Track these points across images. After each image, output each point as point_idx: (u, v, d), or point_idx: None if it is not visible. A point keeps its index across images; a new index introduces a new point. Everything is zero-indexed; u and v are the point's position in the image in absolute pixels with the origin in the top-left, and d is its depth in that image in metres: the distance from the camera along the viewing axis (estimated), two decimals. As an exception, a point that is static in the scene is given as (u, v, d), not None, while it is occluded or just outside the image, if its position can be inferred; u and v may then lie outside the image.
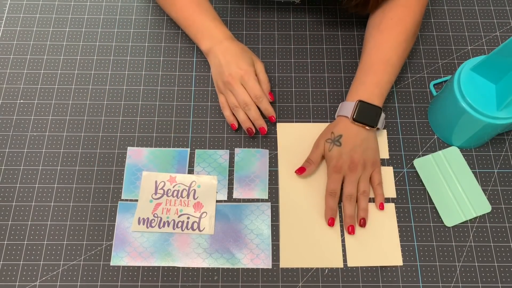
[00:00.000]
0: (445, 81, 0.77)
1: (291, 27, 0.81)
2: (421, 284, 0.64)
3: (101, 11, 0.82)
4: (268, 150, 0.71)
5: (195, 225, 0.66)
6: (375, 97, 0.67)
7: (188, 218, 0.66)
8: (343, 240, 0.66)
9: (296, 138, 0.72)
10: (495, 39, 0.80)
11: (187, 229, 0.66)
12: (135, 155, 0.70)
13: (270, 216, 0.67)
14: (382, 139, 0.72)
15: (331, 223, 0.65)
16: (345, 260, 0.65)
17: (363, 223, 0.65)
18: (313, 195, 0.68)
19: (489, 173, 0.70)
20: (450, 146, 0.72)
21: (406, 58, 0.72)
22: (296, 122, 0.74)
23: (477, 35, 0.81)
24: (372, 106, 0.66)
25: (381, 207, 0.67)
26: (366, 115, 0.66)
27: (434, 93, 0.76)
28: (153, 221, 0.66)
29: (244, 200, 0.68)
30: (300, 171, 0.68)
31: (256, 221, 0.66)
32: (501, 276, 0.64)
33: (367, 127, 0.66)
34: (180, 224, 0.66)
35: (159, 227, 0.66)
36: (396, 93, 0.76)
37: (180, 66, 0.78)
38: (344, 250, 0.65)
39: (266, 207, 0.67)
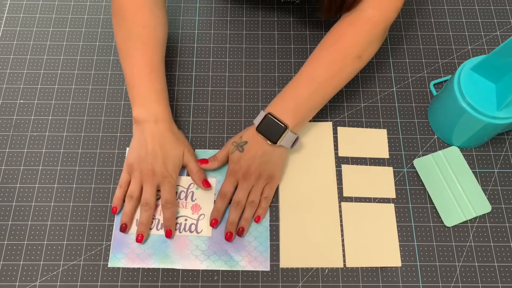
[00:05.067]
0: (445, 81, 0.77)
1: (291, 27, 0.81)
2: (421, 284, 0.64)
3: (101, 11, 0.82)
4: None
5: (193, 227, 0.66)
6: (289, 112, 0.63)
7: (186, 220, 0.66)
8: (343, 240, 0.66)
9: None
10: (495, 39, 0.80)
11: (185, 231, 0.65)
12: None
13: (269, 218, 0.67)
14: (382, 139, 0.72)
15: (213, 224, 0.65)
16: (344, 260, 0.65)
17: (240, 232, 0.64)
18: (313, 195, 0.68)
19: (489, 173, 0.70)
20: (450, 146, 0.72)
21: (345, 79, 0.66)
22: (296, 122, 0.73)
23: (477, 35, 0.81)
24: (278, 123, 0.63)
25: (256, 220, 0.65)
26: (270, 129, 0.63)
27: (434, 93, 0.76)
28: (151, 223, 0.66)
29: None
30: (201, 162, 0.67)
31: (253, 223, 0.66)
32: (501, 276, 0.64)
33: (268, 142, 0.64)
34: (177, 226, 0.66)
35: (157, 229, 0.65)
36: (396, 93, 0.76)
37: (180, 66, 0.78)
38: (344, 250, 0.65)
39: None
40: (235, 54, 0.79)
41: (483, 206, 0.67)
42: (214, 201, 0.67)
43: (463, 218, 0.67)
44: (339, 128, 0.73)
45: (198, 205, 0.67)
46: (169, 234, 0.64)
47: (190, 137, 0.72)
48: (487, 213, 0.68)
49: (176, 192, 0.67)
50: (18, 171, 0.69)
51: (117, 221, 0.66)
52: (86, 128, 0.73)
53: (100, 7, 0.82)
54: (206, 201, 0.67)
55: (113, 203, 0.66)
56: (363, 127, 0.73)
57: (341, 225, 0.67)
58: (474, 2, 0.84)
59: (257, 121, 0.65)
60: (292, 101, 0.64)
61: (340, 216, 0.67)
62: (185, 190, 0.68)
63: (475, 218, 0.67)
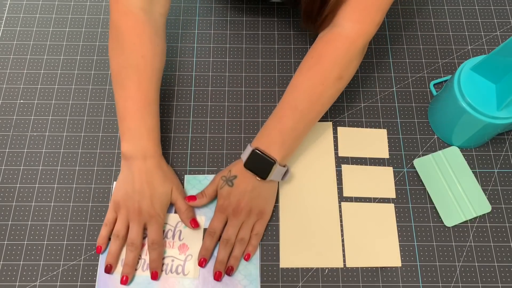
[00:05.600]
0: (445, 81, 0.77)
1: (291, 27, 0.81)
2: (421, 284, 0.64)
3: (101, 11, 0.82)
4: None
5: (180, 269, 0.63)
6: (276, 146, 0.62)
7: (172, 260, 0.64)
8: (343, 240, 0.66)
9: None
10: (495, 39, 0.80)
11: (171, 273, 0.63)
12: None
13: (259, 257, 0.65)
14: (382, 139, 0.72)
15: (201, 263, 0.62)
16: (344, 260, 0.65)
17: (230, 271, 0.62)
18: (313, 195, 0.68)
19: (489, 173, 0.70)
20: (450, 146, 0.72)
21: (327, 102, 0.65)
22: (296, 122, 0.73)
23: (477, 34, 0.81)
24: (265, 158, 0.61)
25: (246, 258, 0.63)
26: (258, 165, 0.62)
27: (434, 93, 0.76)
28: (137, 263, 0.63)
29: None
30: (189, 199, 0.65)
31: (243, 261, 0.64)
32: (501, 276, 0.64)
33: (258, 178, 0.62)
34: (164, 267, 0.63)
35: (143, 270, 0.63)
36: (396, 93, 0.76)
37: (180, 66, 0.78)
38: (344, 250, 0.65)
39: None
40: (235, 54, 0.79)
41: (483, 206, 0.67)
42: (203, 239, 0.65)
43: (463, 218, 0.67)
44: (339, 128, 0.73)
45: (186, 244, 0.65)
46: (155, 276, 0.62)
47: (190, 137, 0.72)
48: (487, 213, 0.68)
49: (164, 231, 0.65)
50: (18, 171, 0.69)
51: (102, 260, 0.64)
52: (86, 128, 0.73)
53: (100, 7, 0.82)
54: (194, 240, 0.65)
55: (97, 242, 0.63)
56: (363, 127, 0.73)
57: (341, 225, 0.67)
58: (474, 2, 0.84)
59: (244, 156, 0.63)
60: (278, 133, 0.62)
61: (340, 216, 0.67)
62: (172, 228, 0.66)
63: (475, 218, 0.67)
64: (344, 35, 0.62)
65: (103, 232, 0.63)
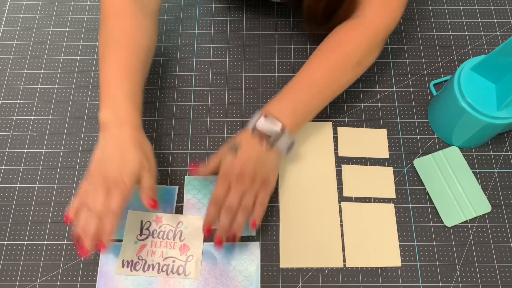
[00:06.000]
0: (445, 81, 0.77)
1: (291, 27, 0.81)
2: (421, 284, 0.64)
3: (101, 11, 0.82)
4: None
5: (181, 269, 0.63)
6: (286, 115, 0.62)
7: (173, 261, 0.64)
8: (343, 240, 0.66)
9: (297, 137, 0.72)
10: (495, 39, 0.80)
11: (172, 273, 0.63)
12: None
13: (260, 257, 0.65)
14: (382, 139, 0.72)
15: (207, 232, 0.60)
16: (344, 260, 0.65)
17: (232, 238, 0.60)
18: (313, 195, 0.68)
19: (489, 173, 0.70)
20: (450, 146, 0.72)
21: (344, 85, 0.66)
22: (296, 122, 0.73)
23: (477, 34, 0.81)
24: (274, 122, 0.61)
25: (252, 225, 0.60)
26: (265, 130, 0.61)
27: (434, 93, 0.76)
28: (137, 264, 0.63)
29: None
30: (192, 166, 0.64)
31: (244, 262, 0.64)
32: (501, 276, 0.64)
33: (264, 145, 0.61)
34: (165, 267, 0.63)
35: (144, 271, 0.63)
36: (396, 93, 0.76)
37: (180, 66, 0.78)
38: (344, 250, 0.65)
39: (255, 247, 0.65)
40: (235, 54, 0.79)
41: (483, 206, 0.67)
42: (204, 240, 0.65)
43: (463, 218, 0.67)
44: (339, 128, 0.73)
45: (187, 245, 0.65)
46: (99, 247, 0.56)
47: (190, 137, 0.72)
48: (487, 213, 0.68)
49: (164, 231, 0.65)
50: (18, 171, 0.69)
51: (102, 260, 0.64)
52: (86, 128, 0.73)
53: (100, 7, 0.82)
54: (195, 241, 0.65)
55: (66, 211, 0.59)
56: (363, 127, 0.73)
57: (341, 225, 0.67)
58: (474, 2, 0.84)
59: (252, 121, 0.62)
60: (291, 104, 0.63)
61: (340, 216, 0.67)
62: (173, 229, 0.66)
63: (475, 218, 0.67)
64: (369, 25, 0.64)
65: (74, 202, 0.58)
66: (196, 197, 0.68)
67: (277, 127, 0.61)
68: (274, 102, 0.64)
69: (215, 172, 0.63)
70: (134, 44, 0.63)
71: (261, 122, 0.61)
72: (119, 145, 0.58)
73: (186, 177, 0.69)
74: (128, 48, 0.63)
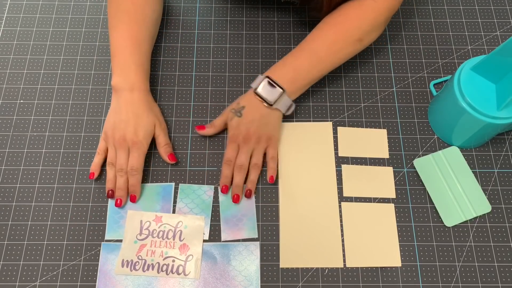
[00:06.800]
0: (445, 81, 0.77)
1: (291, 27, 0.81)
2: (421, 284, 0.64)
3: (101, 11, 0.82)
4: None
5: (180, 269, 0.63)
6: (287, 80, 0.67)
7: (173, 261, 0.64)
8: (343, 240, 0.66)
9: (297, 137, 0.72)
10: (495, 39, 0.80)
11: (172, 273, 0.63)
12: None
13: (260, 257, 0.65)
14: (382, 139, 0.72)
15: (224, 190, 0.67)
16: (344, 260, 0.65)
17: (248, 194, 0.67)
18: (313, 195, 0.68)
19: (489, 173, 0.70)
20: (450, 146, 0.72)
21: (344, 58, 0.70)
22: (296, 121, 0.73)
23: (477, 34, 0.81)
24: (275, 86, 0.66)
25: (271, 180, 0.67)
26: (267, 92, 0.66)
27: (434, 93, 0.76)
28: (137, 263, 0.64)
29: (232, 240, 0.66)
30: (199, 128, 0.70)
31: (244, 262, 0.65)
32: (501, 276, 0.64)
33: (265, 104, 0.67)
34: (165, 267, 0.63)
35: (143, 270, 0.63)
36: (396, 93, 0.76)
37: (180, 66, 0.78)
38: (344, 250, 0.65)
39: (255, 247, 0.65)
40: (235, 54, 0.79)
41: (483, 206, 0.67)
42: (203, 240, 0.65)
43: (463, 218, 0.67)
44: (339, 128, 0.73)
45: (187, 245, 0.65)
46: (133, 199, 0.66)
47: (190, 137, 0.72)
48: (487, 213, 0.68)
49: (164, 231, 0.66)
50: (18, 171, 0.69)
51: (102, 260, 0.64)
52: (86, 128, 0.73)
53: (100, 7, 0.82)
54: (194, 241, 0.65)
55: (91, 169, 0.68)
56: (363, 127, 0.73)
57: (341, 225, 0.67)
58: (474, 2, 0.83)
59: (255, 84, 0.67)
60: (292, 70, 0.67)
61: (340, 216, 0.67)
62: (173, 229, 0.66)
63: (475, 218, 0.67)
64: (373, 5, 0.67)
65: (96, 160, 0.68)
66: (189, 206, 0.67)
67: (277, 92, 0.66)
68: (276, 67, 0.68)
69: (220, 131, 0.71)
70: (143, 16, 0.69)
71: (263, 87, 0.67)
72: (132, 109, 0.66)
73: (180, 185, 0.69)
74: (137, 20, 0.68)
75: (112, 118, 0.67)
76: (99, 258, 0.64)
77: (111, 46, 0.68)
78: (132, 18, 0.68)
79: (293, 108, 0.69)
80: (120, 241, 0.65)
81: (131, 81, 0.67)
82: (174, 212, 0.67)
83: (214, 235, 0.66)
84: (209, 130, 0.70)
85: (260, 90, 0.67)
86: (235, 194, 0.66)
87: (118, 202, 0.66)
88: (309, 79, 0.69)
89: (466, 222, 0.67)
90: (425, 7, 0.83)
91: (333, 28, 0.68)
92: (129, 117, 0.66)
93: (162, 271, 0.63)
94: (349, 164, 0.71)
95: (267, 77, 0.67)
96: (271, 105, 0.66)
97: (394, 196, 0.69)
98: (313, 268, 0.65)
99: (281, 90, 0.66)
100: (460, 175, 0.69)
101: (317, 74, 0.69)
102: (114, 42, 0.68)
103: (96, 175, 0.67)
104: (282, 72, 0.67)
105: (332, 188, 0.69)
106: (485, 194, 0.69)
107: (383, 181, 0.70)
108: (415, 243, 0.66)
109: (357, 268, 0.65)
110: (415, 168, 0.70)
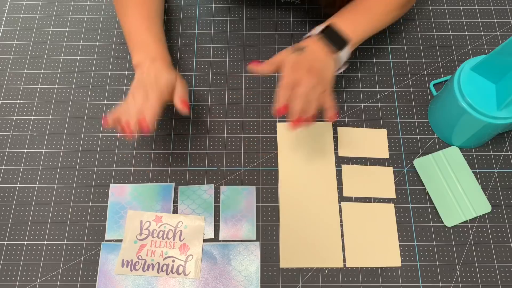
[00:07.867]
0: (445, 81, 0.77)
1: (291, 27, 0.81)
2: (421, 284, 0.64)
3: (101, 11, 0.82)
4: (255, 187, 0.69)
5: (181, 269, 0.63)
6: (348, 31, 0.65)
7: (173, 261, 0.64)
8: (343, 240, 0.66)
9: (297, 137, 0.72)
10: (495, 39, 0.80)
11: (172, 273, 0.63)
12: (118, 192, 0.68)
13: (260, 257, 0.65)
14: (382, 139, 0.72)
15: (283, 109, 0.60)
16: (344, 260, 0.65)
17: (309, 119, 0.61)
18: (313, 195, 0.68)
19: (489, 173, 0.70)
20: (450, 146, 0.72)
21: (391, 21, 0.71)
22: (296, 122, 0.73)
23: (477, 34, 0.81)
24: (340, 34, 0.65)
25: (331, 119, 0.62)
26: (333, 37, 0.64)
27: (434, 93, 0.76)
28: (137, 263, 0.64)
29: (232, 240, 0.66)
30: (253, 64, 0.64)
31: (244, 262, 0.65)
32: (501, 276, 0.64)
33: (328, 50, 0.63)
34: (165, 267, 0.63)
35: (143, 270, 0.63)
36: (396, 93, 0.76)
37: (180, 66, 0.78)
38: (344, 250, 0.65)
39: (255, 247, 0.65)
40: (235, 54, 0.79)
41: (483, 206, 0.67)
42: (207, 239, 0.65)
43: (463, 218, 0.67)
44: (339, 128, 0.73)
45: (187, 245, 0.65)
46: (142, 122, 0.59)
47: (190, 137, 0.72)
48: (487, 213, 0.68)
49: (164, 231, 0.66)
50: (18, 171, 0.69)
51: (102, 260, 0.64)
52: (86, 128, 0.73)
53: (100, 7, 0.82)
54: (194, 241, 0.65)
55: (111, 118, 0.61)
56: (363, 127, 0.73)
57: (341, 225, 0.67)
58: (474, 2, 0.83)
59: (316, 31, 0.65)
60: (350, 24, 0.66)
61: (340, 216, 0.67)
62: (173, 229, 0.66)
63: (475, 218, 0.67)
64: None
65: (114, 113, 0.61)
66: (191, 207, 0.68)
67: (341, 41, 0.64)
68: (337, 18, 0.67)
69: (276, 71, 0.63)
70: None
71: (329, 32, 0.64)
72: (155, 71, 0.62)
73: (180, 187, 0.69)
74: (146, 2, 0.68)
75: (134, 82, 0.63)
76: (99, 258, 0.64)
77: (125, 30, 0.67)
78: (142, 1, 0.68)
79: (345, 67, 0.68)
80: (120, 241, 0.65)
81: (152, 54, 0.64)
82: (174, 212, 0.67)
83: (217, 234, 0.66)
84: (264, 67, 0.63)
85: (327, 35, 0.64)
86: (295, 119, 0.59)
87: (126, 126, 0.59)
88: (363, 35, 0.68)
89: (466, 222, 0.67)
90: (425, 7, 0.83)
91: None
92: (151, 76, 0.62)
93: (162, 271, 0.63)
94: (349, 164, 0.71)
95: (331, 24, 0.65)
96: (337, 49, 0.64)
97: (394, 196, 0.69)
98: (313, 268, 0.65)
99: (346, 40, 0.64)
100: (460, 175, 0.69)
101: (371, 33, 0.69)
102: (128, 25, 0.67)
103: (110, 123, 0.61)
104: (343, 24, 0.65)
105: (332, 188, 0.69)
106: (485, 194, 0.69)
107: (383, 181, 0.70)
108: (415, 243, 0.66)
109: (357, 268, 0.65)
110: (415, 168, 0.70)
